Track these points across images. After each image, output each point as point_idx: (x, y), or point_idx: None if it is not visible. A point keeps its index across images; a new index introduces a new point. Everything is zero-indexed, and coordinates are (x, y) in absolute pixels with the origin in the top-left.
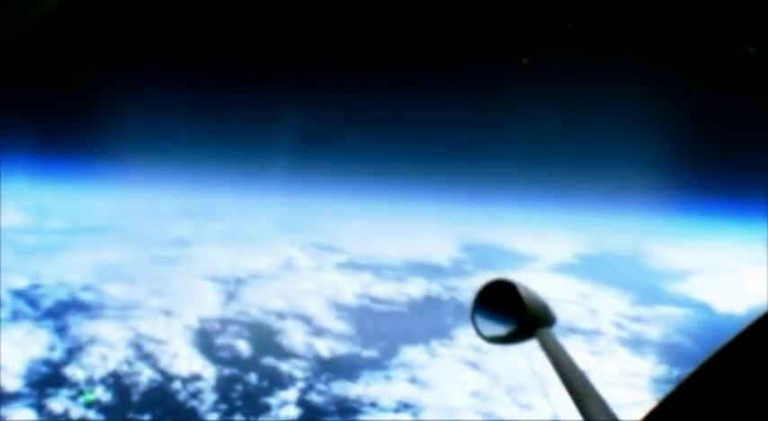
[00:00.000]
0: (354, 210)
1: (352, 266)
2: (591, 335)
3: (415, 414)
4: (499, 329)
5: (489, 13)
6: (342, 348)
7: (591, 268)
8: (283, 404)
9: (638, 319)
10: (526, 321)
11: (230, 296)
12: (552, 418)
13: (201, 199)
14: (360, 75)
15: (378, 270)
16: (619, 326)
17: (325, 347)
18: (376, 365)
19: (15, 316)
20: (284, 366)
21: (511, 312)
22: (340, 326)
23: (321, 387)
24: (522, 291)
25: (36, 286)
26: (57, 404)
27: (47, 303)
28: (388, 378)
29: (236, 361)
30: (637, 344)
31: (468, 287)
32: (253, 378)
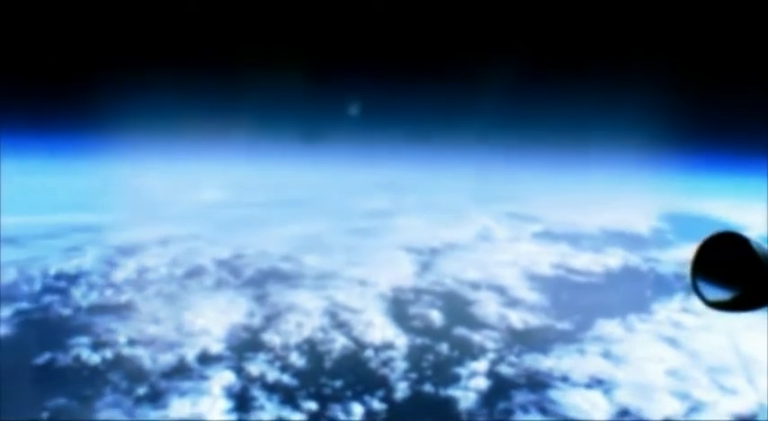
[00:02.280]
0: (552, 178)
1: (549, 236)
2: None
3: (607, 391)
4: (726, 293)
5: None
6: (535, 320)
7: None
8: (473, 375)
9: None
10: (762, 284)
11: (425, 266)
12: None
13: (399, 172)
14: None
15: (575, 240)
16: None
17: (518, 319)
18: (569, 338)
19: (219, 284)
20: (476, 337)
21: (741, 272)
22: (534, 297)
23: (512, 359)
24: (756, 248)
25: (239, 256)
26: (254, 367)
27: (248, 272)
28: (581, 352)
29: (428, 330)
30: None
31: (670, 258)
32: (444, 348)
